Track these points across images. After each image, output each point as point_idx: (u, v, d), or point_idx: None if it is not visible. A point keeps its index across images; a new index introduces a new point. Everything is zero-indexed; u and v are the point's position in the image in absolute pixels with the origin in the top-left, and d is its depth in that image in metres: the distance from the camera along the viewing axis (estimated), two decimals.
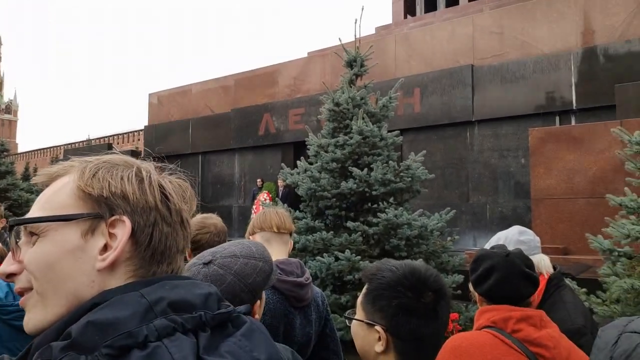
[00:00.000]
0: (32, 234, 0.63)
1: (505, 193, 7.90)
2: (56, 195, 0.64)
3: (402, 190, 4.59)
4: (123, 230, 0.61)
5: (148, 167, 0.68)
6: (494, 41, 8.29)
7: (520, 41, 8.02)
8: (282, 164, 5.41)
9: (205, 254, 1.22)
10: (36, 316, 0.62)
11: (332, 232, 4.31)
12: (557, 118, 7.50)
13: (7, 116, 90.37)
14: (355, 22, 5.20)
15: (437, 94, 8.55)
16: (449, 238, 4.94)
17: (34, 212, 0.64)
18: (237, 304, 0.72)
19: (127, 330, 0.54)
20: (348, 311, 1.27)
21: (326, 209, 4.57)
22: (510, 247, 1.92)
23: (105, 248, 0.62)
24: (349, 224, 4.27)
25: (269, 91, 11.43)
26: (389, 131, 4.90)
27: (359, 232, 4.25)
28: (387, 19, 14.40)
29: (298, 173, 4.86)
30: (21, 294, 0.63)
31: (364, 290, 1.17)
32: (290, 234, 1.89)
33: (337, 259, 4.09)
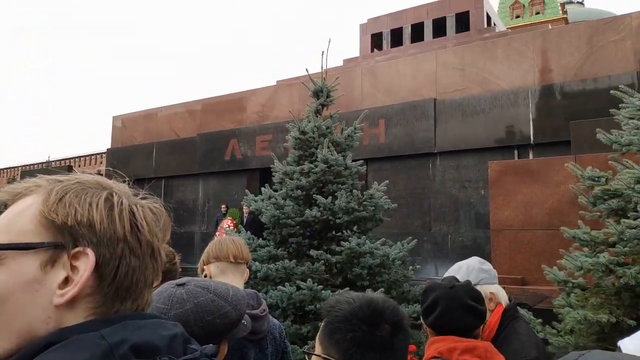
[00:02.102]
0: None
1: (466, 223, 8.07)
2: (17, 219, 0.59)
3: (366, 218, 4.62)
4: (86, 264, 0.56)
5: (121, 191, 0.63)
6: (455, 76, 8.61)
7: (481, 77, 8.36)
8: (247, 190, 5.36)
9: (185, 279, 1.21)
10: None
11: (294, 260, 4.27)
12: (516, 152, 7.79)
13: None
14: (322, 54, 5.30)
15: (401, 126, 8.75)
16: (410, 267, 4.97)
17: None
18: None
19: None
20: (307, 346, 1.24)
21: (289, 237, 4.53)
22: (472, 275, 1.94)
23: (66, 281, 0.56)
24: (312, 252, 4.24)
25: (236, 117, 11.43)
26: (353, 160, 4.95)
27: (322, 261, 4.23)
28: (355, 52, 14.76)
29: (262, 200, 4.82)
30: None
31: (322, 323, 1.15)
32: (247, 263, 1.85)
33: (298, 288, 4.03)
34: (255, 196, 5.09)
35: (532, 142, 7.67)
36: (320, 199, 4.40)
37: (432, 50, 9.82)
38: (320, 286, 4.03)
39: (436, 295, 1.51)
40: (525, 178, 6.21)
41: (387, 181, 4.91)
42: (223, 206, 10.69)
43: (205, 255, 1.80)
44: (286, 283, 4.12)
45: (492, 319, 1.89)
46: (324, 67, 5.41)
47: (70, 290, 0.56)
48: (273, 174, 5.06)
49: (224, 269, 1.75)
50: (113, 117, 13.71)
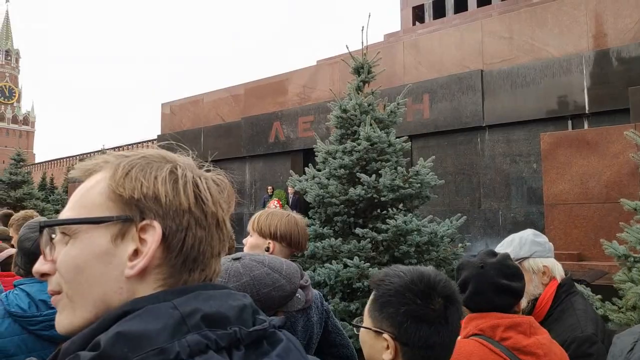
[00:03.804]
0: (64, 233, 0.61)
1: (518, 198, 7.79)
2: (87, 195, 0.62)
3: (412, 196, 4.54)
4: (153, 237, 0.58)
5: (185, 163, 0.65)
6: (503, 46, 8.24)
7: (529, 45, 7.96)
8: (291, 171, 5.39)
9: (240, 253, 1.25)
10: (65, 319, 0.60)
11: (340, 238, 4.27)
12: (570, 122, 7.41)
13: (24, 127, 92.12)
14: (362, 29, 5.19)
15: (447, 100, 8.50)
16: (460, 244, 4.87)
17: (66, 211, 0.63)
18: None
19: (158, 346, 0.51)
20: (356, 319, 1.24)
21: (335, 216, 4.53)
22: (525, 248, 1.87)
23: (136, 253, 0.59)
24: (358, 230, 4.23)
25: (279, 99, 11.49)
26: (397, 137, 4.86)
27: (368, 239, 4.21)
28: (396, 27, 14.40)
29: (306, 180, 4.83)
30: (53, 294, 0.62)
31: (371, 297, 1.13)
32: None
33: (345, 265, 4.05)
34: (300, 177, 5.12)
35: (587, 111, 7.26)
36: (364, 177, 4.36)
37: (477, 20, 9.42)
38: (367, 264, 4.03)
39: (466, 274, 1.47)
40: (581, 149, 5.90)
41: (433, 157, 4.80)
42: (269, 187, 10.86)
43: (257, 224, 1.81)
44: (333, 261, 4.14)
45: (546, 293, 1.82)
46: (364, 43, 5.31)
47: (140, 262, 0.58)
48: (316, 154, 5.06)
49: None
50: (162, 104, 14.11)
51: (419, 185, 4.51)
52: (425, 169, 4.61)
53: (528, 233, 1.93)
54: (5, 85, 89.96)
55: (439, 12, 13.14)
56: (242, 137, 11.77)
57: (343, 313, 3.97)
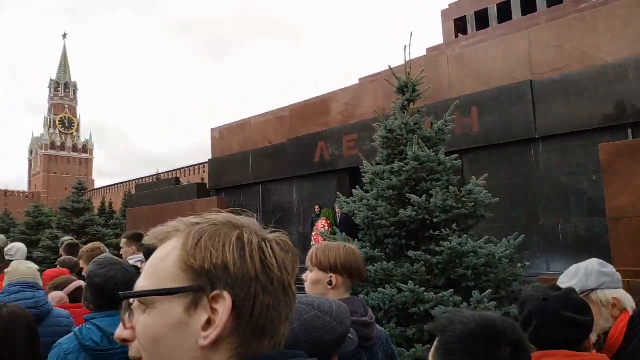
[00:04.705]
0: (141, 302, 0.64)
1: (578, 212, 7.43)
2: (161, 265, 0.64)
3: (465, 216, 4.42)
4: (224, 307, 0.60)
5: (251, 228, 0.66)
6: (552, 54, 7.97)
7: (581, 52, 7.66)
8: (338, 193, 5.40)
9: None
10: None
11: (393, 262, 4.21)
12: (630, 130, 7.02)
13: (84, 155, 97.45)
14: (405, 49, 5.17)
15: (496, 112, 8.28)
16: (519, 265, 4.67)
17: (142, 280, 0.66)
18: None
19: None
20: None
21: (385, 238, 4.48)
22: (592, 279, 1.78)
23: (209, 323, 0.60)
24: (411, 253, 4.15)
25: (323, 119, 11.59)
26: (447, 153, 4.77)
27: (422, 262, 4.12)
28: (438, 40, 14.26)
29: (354, 201, 4.82)
30: None
31: (435, 343, 1.11)
32: None
33: (400, 290, 3.98)
34: (347, 197, 5.11)
35: None
36: (414, 198, 4.30)
37: (523, 29, 9.18)
38: (422, 288, 3.94)
39: (529, 308, 1.40)
40: None
41: (486, 175, 4.66)
42: (317, 207, 10.90)
43: (315, 259, 1.82)
44: (387, 285, 4.08)
45: (617, 326, 1.71)
46: (407, 62, 5.27)
47: (213, 332, 0.60)
48: (362, 174, 5.04)
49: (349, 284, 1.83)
50: (211, 129, 14.56)
51: (472, 204, 4.40)
52: (479, 188, 4.49)
53: (593, 263, 1.83)
54: (65, 117, 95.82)
55: (482, 23, 12.94)
56: (288, 158, 11.93)
57: (400, 339, 3.89)
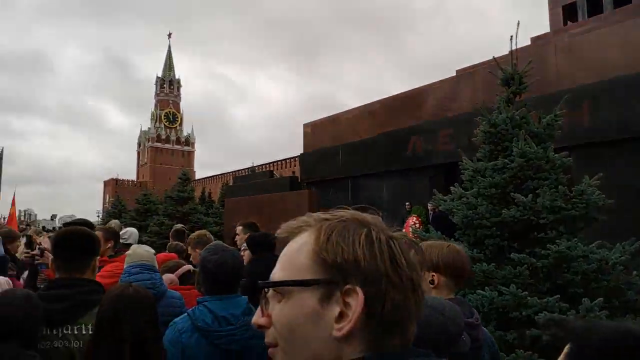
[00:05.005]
0: (276, 291, 0.67)
1: None
2: (296, 256, 0.67)
3: (575, 217, 4.09)
4: (357, 301, 0.61)
5: (378, 226, 0.67)
6: None
7: None
8: (434, 190, 5.24)
9: None
10: None
11: (493, 263, 4.01)
12: None
13: (186, 148, 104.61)
14: (511, 39, 4.87)
15: (612, 106, 7.54)
16: (635, 272, 4.24)
17: (276, 270, 0.69)
18: None
19: None
20: None
21: (485, 238, 4.28)
22: None
23: (341, 316, 0.62)
24: (513, 255, 3.93)
25: (416, 113, 11.34)
26: (555, 151, 4.44)
27: (525, 265, 3.89)
28: (544, 28, 13.31)
29: (452, 199, 4.66)
30: (270, 346, 0.68)
31: (566, 350, 1.03)
32: None
33: (500, 293, 3.79)
34: (443, 194, 4.95)
35: None
36: (519, 197, 4.06)
37: None
38: (525, 292, 3.72)
39: None
40: None
41: (600, 174, 4.27)
42: (407, 204, 10.71)
43: (432, 260, 1.80)
44: (485, 287, 3.91)
45: None
46: (513, 51, 4.97)
47: (347, 325, 0.61)
48: (462, 171, 4.85)
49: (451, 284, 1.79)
50: (304, 124, 14.90)
51: (583, 205, 4.06)
52: (592, 188, 4.12)
53: None
54: (169, 112, 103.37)
55: (595, 8, 11.85)
56: (379, 152, 11.83)
57: (498, 343, 3.70)
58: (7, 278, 3.27)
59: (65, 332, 1.97)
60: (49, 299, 1.99)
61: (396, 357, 0.60)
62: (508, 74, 4.82)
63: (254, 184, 15.90)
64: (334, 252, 0.63)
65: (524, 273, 3.82)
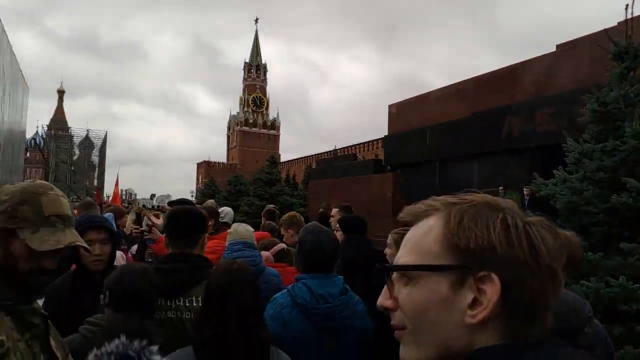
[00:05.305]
0: (403, 275, 0.67)
1: None
2: (424, 240, 0.66)
3: None
4: (493, 288, 0.60)
5: (513, 211, 0.65)
6: None
7: None
8: (535, 174, 4.95)
9: None
10: (410, 353, 0.65)
11: (600, 253, 3.73)
12: None
13: (272, 132, 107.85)
14: (626, 8, 4.41)
15: None
16: None
17: (403, 254, 0.69)
18: None
19: None
20: None
21: (591, 226, 3.98)
22: None
23: (474, 302, 0.61)
24: (623, 245, 3.62)
25: (511, 91, 10.68)
26: None
27: (637, 255, 3.58)
28: None
29: (555, 184, 4.37)
30: (396, 329, 0.68)
31: None
32: None
33: (607, 284, 3.52)
34: (544, 178, 4.65)
35: None
36: (632, 182, 3.71)
37: None
38: (637, 285, 3.43)
39: None
40: None
41: None
42: (501, 188, 10.19)
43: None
44: (590, 277, 3.65)
45: None
46: (628, 20, 4.49)
47: (482, 312, 0.60)
48: (566, 153, 4.52)
49: None
50: (389, 105, 14.66)
51: None
52: None
53: None
54: (257, 96, 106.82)
55: None
56: (470, 134, 11.34)
57: None
58: (121, 252, 3.62)
59: (177, 303, 2.15)
60: (163, 272, 2.18)
61: (535, 347, 0.58)
62: (621, 47, 4.39)
63: (337, 167, 16.03)
64: (467, 238, 0.61)
65: (635, 264, 3.52)
